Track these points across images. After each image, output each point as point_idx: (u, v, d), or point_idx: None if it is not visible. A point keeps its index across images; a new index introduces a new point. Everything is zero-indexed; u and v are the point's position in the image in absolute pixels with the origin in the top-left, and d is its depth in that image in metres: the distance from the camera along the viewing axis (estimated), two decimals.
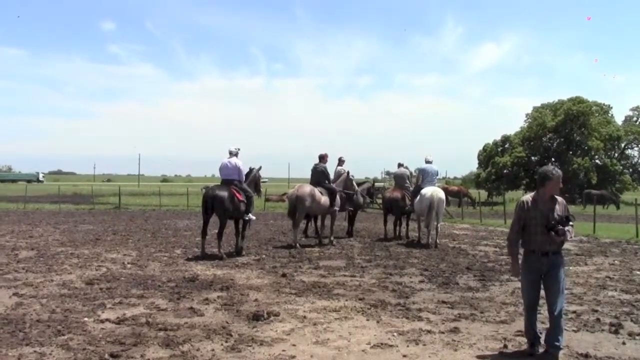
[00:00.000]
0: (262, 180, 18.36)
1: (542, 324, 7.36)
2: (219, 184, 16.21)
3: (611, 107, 71.40)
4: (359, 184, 22.90)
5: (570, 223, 6.79)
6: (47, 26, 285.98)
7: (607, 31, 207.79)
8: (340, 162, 21.48)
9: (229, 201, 15.31)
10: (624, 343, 7.58)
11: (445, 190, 25.63)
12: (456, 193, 47.99)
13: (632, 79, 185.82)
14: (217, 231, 15.52)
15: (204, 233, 15.73)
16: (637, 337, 7.83)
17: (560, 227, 6.68)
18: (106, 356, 6.60)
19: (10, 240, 18.60)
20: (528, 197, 7.09)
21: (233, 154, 16.13)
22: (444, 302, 10.02)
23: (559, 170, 6.98)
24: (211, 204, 15.32)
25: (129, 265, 13.74)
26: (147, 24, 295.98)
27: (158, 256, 15.45)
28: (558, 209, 6.85)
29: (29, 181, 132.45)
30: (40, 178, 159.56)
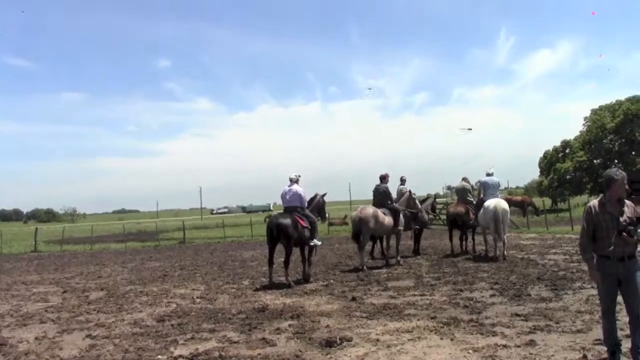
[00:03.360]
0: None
1: (622, 331, 7.22)
2: (282, 212, 16.30)
3: None
4: (422, 201, 22.79)
5: None
6: (104, 69, 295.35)
7: None
8: (402, 181, 21.46)
9: (292, 228, 15.35)
10: None
11: (508, 201, 25.35)
12: (520, 203, 47.37)
13: None
14: (283, 259, 15.57)
15: (270, 262, 15.71)
16: None
17: (632, 227, 6.58)
18: None
19: (80, 282, 18.93)
20: (595, 201, 7.02)
21: (294, 181, 16.21)
22: (517, 314, 9.89)
23: (622, 172, 6.91)
24: (275, 232, 15.35)
25: (198, 300, 13.86)
26: (200, 58, 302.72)
27: (226, 288, 15.55)
28: (627, 212, 6.77)
29: (263, 211, 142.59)
30: (270, 207, 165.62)
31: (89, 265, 25.59)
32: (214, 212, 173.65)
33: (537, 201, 56.73)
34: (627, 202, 6.88)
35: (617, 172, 6.83)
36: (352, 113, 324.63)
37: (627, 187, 6.88)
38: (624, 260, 6.71)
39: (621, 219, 6.68)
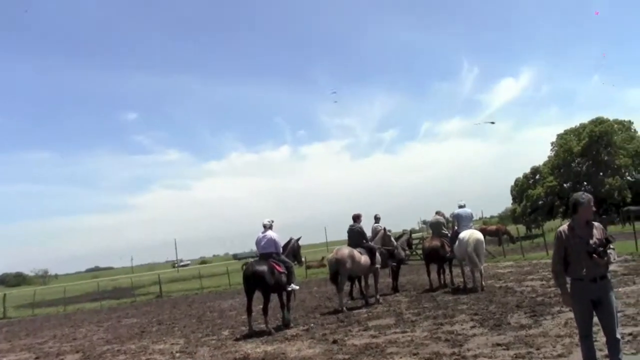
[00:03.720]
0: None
1: (600, 352, 7.26)
2: (258, 258, 16.26)
3: (632, 123, 71.10)
4: (397, 237, 22.85)
5: (611, 245, 6.79)
6: (71, 126, 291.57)
7: (620, 48, 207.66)
8: (377, 219, 21.55)
9: (269, 275, 15.29)
10: None
11: (483, 231, 25.53)
12: (495, 232, 47.77)
13: None
14: (262, 307, 15.50)
15: (249, 310, 15.61)
16: None
17: (602, 249, 6.67)
18: None
19: (53, 346, 18.55)
20: (564, 226, 7.15)
21: (267, 227, 16.21)
22: (498, 344, 9.92)
23: (588, 195, 7.04)
24: (252, 280, 15.30)
25: (177, 354, 13.74)
26: (167, 109, 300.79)
27: (206, 340, 15.42)
28: (596, 233, 6.87)
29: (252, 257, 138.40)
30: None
31: (63, 328, 25.20)
32: (176, 265, 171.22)
33: (512, 229, 57.13)
34: (596, 224, 7.00)
35: (583, 196, 6.96)
36: (322, 155, 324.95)
37: (594, 209, 6.98)
38: (596, 282, 6.80)
39: (591, 242, 6.77)
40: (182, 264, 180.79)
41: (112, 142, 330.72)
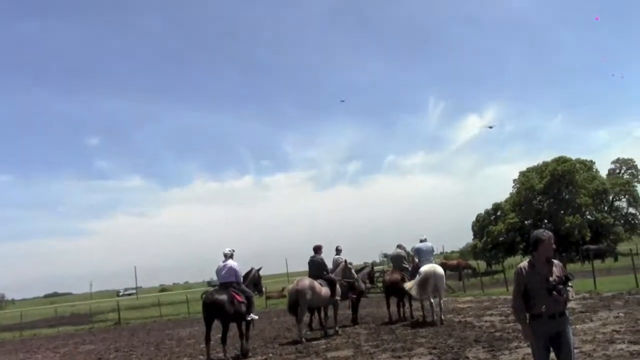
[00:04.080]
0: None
1: None
2: (217, 287, 16.19)
3: (594, 163, 72.56)
4: (359, 270, 22.90)
5: (570, 283, 6.88)
6: (32, 149, 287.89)
7: (585, 90, 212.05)
8: (338, 251, 21.62)
9: (229, 304, 15.24)
10: None
11: (444, 265, 25.68)
12: (455, 266, 48.16)
13: (611, 133, 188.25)
14: (220, 336, 15.42)
15: (207, 339, 15.52)
16: None
17: (561, 286, 6.76)
18: None
19: None
20: (525, 263, 7.21)
21: (228, 256, 16.18)
22: None
23: (548, 232, 7.12)
24: (211, 308, 15.25)
25: None
26: (131, 135, 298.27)
27: None
28: (556, 271, 6.95)
29: None
30: None
31: (18, 353, 24.80)
32: (120, 294, 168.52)
33: (472, 264, 57.64)
34: (556, 261, 7.08)
35: (543, 233, 7.04)
36: (285, 185, 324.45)
37: (554, 246, 7.08)
38: (555, 318, 6.87)
39: (551, 279, 6.85)
40: (127, 292, 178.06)
41: (74, 166, 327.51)
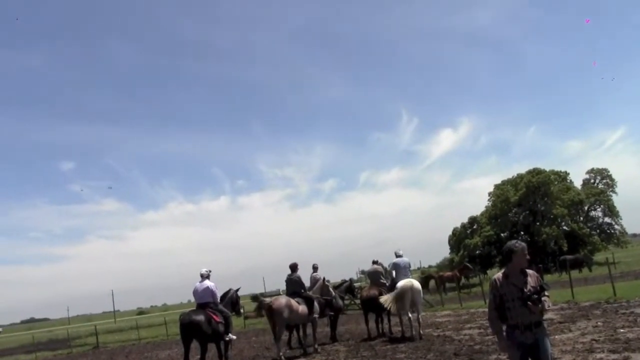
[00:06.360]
0: None
1: None
2: (195, 308, 16.13)
3: (568, 174, 73.02)
4: (338, 286, 22.90)
5: (545, 293, 6.91)
6: (4, 174, 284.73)
7: (558, 100, 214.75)
8: (315, 268, 21.62)
9: (206, 324, 15.20)
10: None
11: (441, 277, 25.66)
12: (451, 278, 48.67)
13: (585, 144, 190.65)
14: (199, 357, 15.35)
15: None
16: None
17: (536, 296, 6.79)
18: None
19: None
20: (499, 274, 7.26)
21: (205, 276, 16.16)
22: None
23: (522, 243, 7.18)
24: (189, 329, 15.20)
25: None
26: (105, 159, 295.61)
27: None
28: (531, 281, 7.00)
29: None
30: None
31: None
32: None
33: (469, 265, 58.00)
34: (530, 272, 7.13)
35: (516, 244, 7.10)
36: (261, 205, 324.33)
37: (528, 257, 7.13)
38: (531, 329, 6.92)
39: (525, 289, 6.89)
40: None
41: (47, 191, 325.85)
